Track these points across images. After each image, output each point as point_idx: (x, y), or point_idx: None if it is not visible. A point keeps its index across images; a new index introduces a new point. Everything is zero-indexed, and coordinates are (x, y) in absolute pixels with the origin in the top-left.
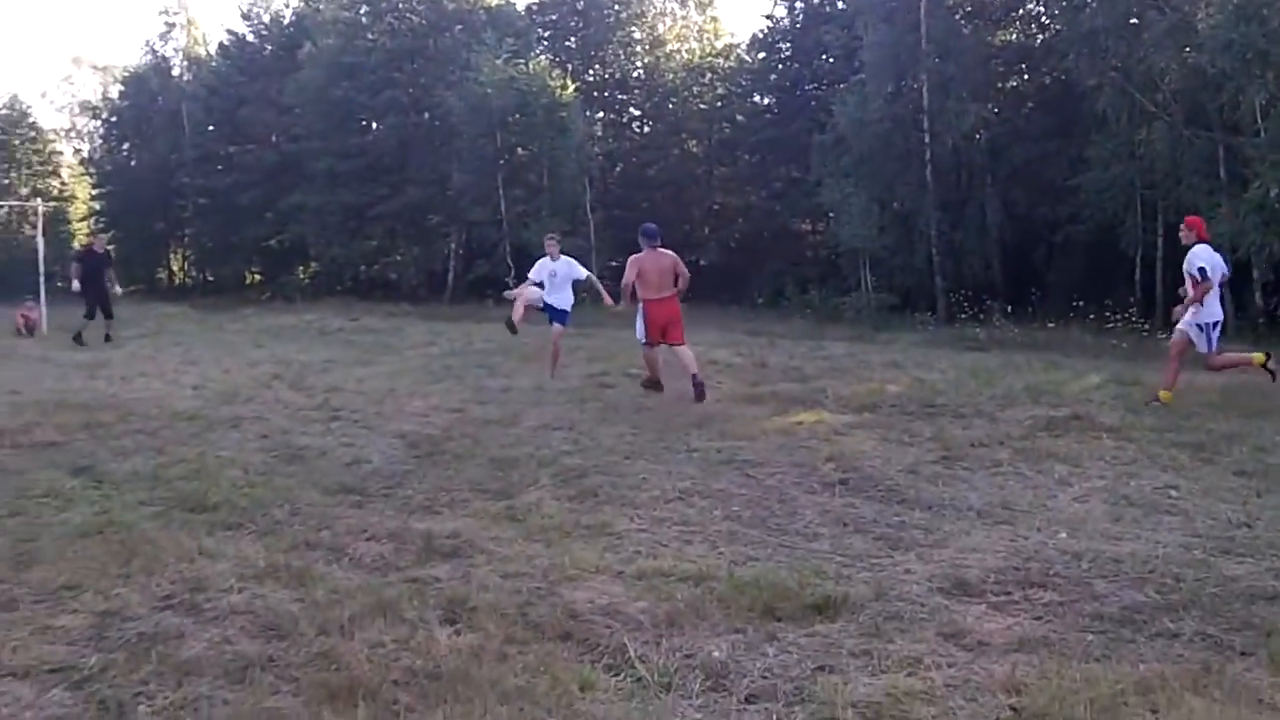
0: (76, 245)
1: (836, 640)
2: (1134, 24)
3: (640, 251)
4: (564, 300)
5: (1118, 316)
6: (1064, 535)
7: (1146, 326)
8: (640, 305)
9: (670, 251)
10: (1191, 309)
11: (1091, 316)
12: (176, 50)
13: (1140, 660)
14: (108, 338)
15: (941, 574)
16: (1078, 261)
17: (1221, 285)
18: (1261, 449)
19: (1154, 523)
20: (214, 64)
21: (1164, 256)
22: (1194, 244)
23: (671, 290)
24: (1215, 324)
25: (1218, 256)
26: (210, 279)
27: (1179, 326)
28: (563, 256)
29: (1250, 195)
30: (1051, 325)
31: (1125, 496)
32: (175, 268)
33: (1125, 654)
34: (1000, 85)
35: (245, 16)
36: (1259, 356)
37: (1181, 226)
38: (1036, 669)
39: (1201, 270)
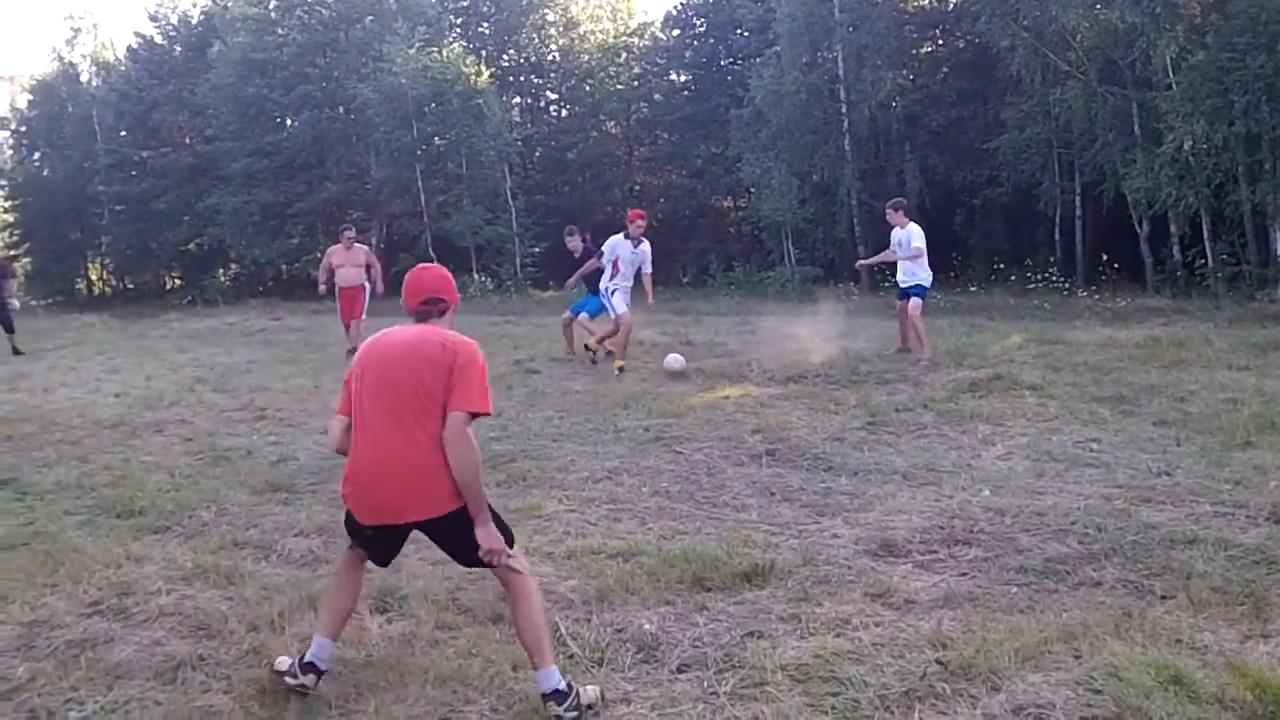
0: None
1: (765, 606)
2: None
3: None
4: None
5: (1039, 277)
6: (987, 493)
7: (1067, 286)
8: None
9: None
10: None
11: (1013, 278)
12: (84, 56)
13: (1063, 609)
14: (16, 350)
15: (868, 537)
16: (998, 224)
17: None
18: (1180, 399)
19: (1076, 476)
20: (123, 68)
21: (1083, 216)
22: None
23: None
24: None
25: None
26: (130, 286)
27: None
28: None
29: (1164, 149)
30: (974, 289)
31: (1048, 452)
32: (94, 277)
33: (1049, 604)
34: (915, 51)
35: (153, 18)
36: None
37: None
38: (962, 623)
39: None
